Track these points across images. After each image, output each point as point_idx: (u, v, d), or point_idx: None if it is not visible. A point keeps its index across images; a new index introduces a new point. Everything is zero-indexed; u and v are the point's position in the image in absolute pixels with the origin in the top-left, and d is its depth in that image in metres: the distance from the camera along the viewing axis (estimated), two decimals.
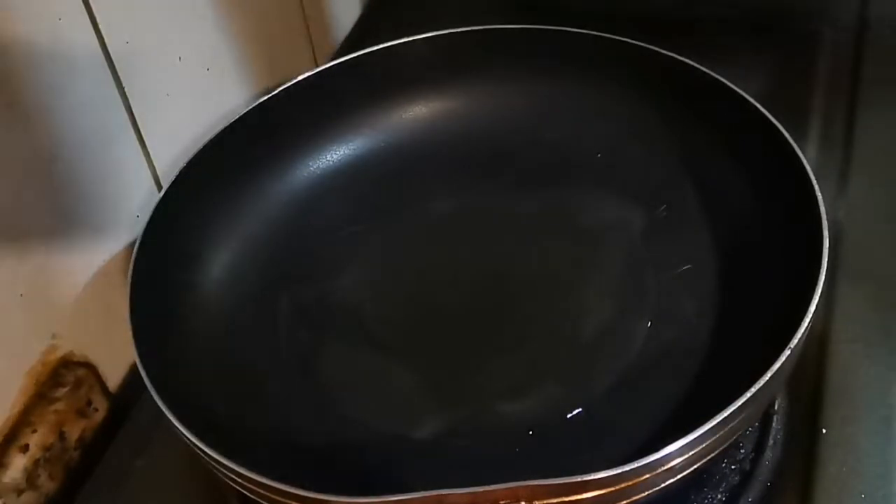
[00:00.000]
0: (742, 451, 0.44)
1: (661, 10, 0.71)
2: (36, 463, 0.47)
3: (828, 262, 0.41)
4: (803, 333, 0.39)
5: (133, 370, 0.47)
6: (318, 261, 0.53)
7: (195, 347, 0.47)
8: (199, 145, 0.52)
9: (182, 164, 0.51)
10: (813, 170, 0.45)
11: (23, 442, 0.46)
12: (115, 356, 0.51)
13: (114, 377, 0.52)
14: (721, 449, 0.38)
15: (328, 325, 0.50)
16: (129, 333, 0.43)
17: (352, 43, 0.73)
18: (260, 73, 0.61)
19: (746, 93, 0.50)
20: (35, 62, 0.44)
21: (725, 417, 0.36)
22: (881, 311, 0.49)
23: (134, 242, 0.47)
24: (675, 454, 0.36)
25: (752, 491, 0.43)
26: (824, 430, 0.44)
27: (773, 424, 0.45)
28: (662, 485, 0.37)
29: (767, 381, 0.37)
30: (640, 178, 0.54)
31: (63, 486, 0.48)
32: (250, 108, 0.54)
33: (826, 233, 0.42)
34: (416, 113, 0.59)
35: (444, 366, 0.47)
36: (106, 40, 0.48)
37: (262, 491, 0.38)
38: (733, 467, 0.44)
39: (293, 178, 0.56)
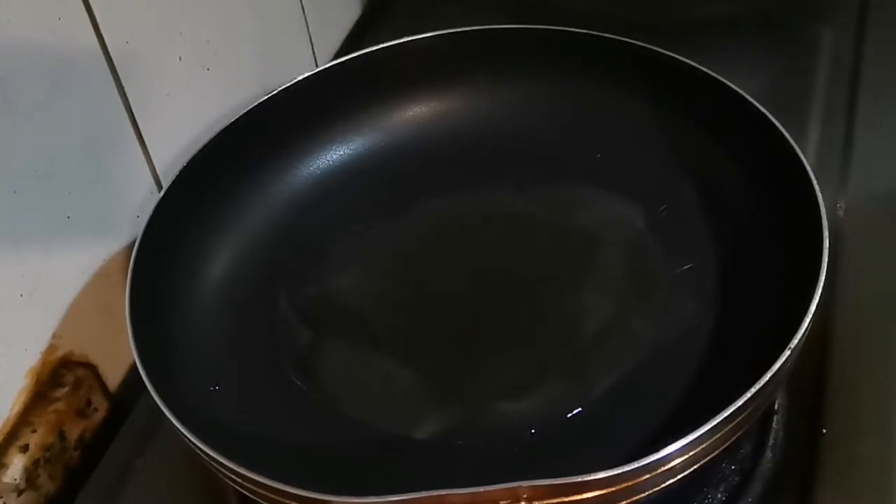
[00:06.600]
0: (742, 451, 0.44)
1: (660, 10, 0.71)
2: (36, 463, 0.47)
3: (828, 262, 0.41)
4: (803, 333, 0.39)
5: (133, 370, 0.47)
6: (318, 260, 0.53)
7: (195, 347, 0.47)
8: (199, 145, 0.52)
9: (182, 164, 0.51)
10: (813, 170, 0.45)
11: (23, 442, 0.46)
12: (115, 356, 0.51)
13: (114, 377, 0.52)
14: (721, 449, 0.38)
15: (328, 325, 0.50)
16: (129, 333, 0.43)
17: (352, 43, 0.73)
18: (260, 73, 0.61)
19: (746, 93, 0.50)
20: (35, 62, 0.44)
21: (725, 417, 0.36)
22: (881, 311, 0.49)
23: (134, 242, 0.47)
24: (675, 454, 0.36)
25: (752, 491, 0.43)
26: (824, 430, 0.44)
27: (773, 424, 0.45)
28: (662, 485, 0.37)
29: (767, 381, 0.37)
30: (639, 177, 0.54)
31: (63, 486, 0.48)
32: (250, 108, 0.54)
33: (826, 233, 0.42)
34: (416, 113, 0.59)
35: (444, 365, 0.47)
36: (106, 40, 0.48)
37: (261, 491, 0.38)
38: (733, 467, 0.44)
39: (293, 178, 0.56)
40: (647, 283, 0.49)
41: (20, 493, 0.46)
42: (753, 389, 0.37)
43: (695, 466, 0.38)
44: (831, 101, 0.62)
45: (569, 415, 0.44)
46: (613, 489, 0.36)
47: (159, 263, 0.48)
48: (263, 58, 0.62)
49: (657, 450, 0.36)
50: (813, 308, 0.40)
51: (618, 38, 0.55)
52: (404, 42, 0.58)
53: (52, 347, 0.48)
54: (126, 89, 0.50)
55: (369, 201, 0.56)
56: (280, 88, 0.55)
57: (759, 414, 0.40)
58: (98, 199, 0.49)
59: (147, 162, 0.52)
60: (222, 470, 0.38)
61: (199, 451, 0.39)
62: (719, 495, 0.43)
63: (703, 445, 0.37)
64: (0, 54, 0.42)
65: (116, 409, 0.52)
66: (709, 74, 0.52)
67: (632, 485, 0.36)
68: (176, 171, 0.51)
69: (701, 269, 0.49)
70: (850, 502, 0.42)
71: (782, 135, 0.47)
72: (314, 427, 0.45)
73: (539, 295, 0.50)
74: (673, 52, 0.54)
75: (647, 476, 0.36)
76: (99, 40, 0.47)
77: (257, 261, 0.53)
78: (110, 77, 0.49)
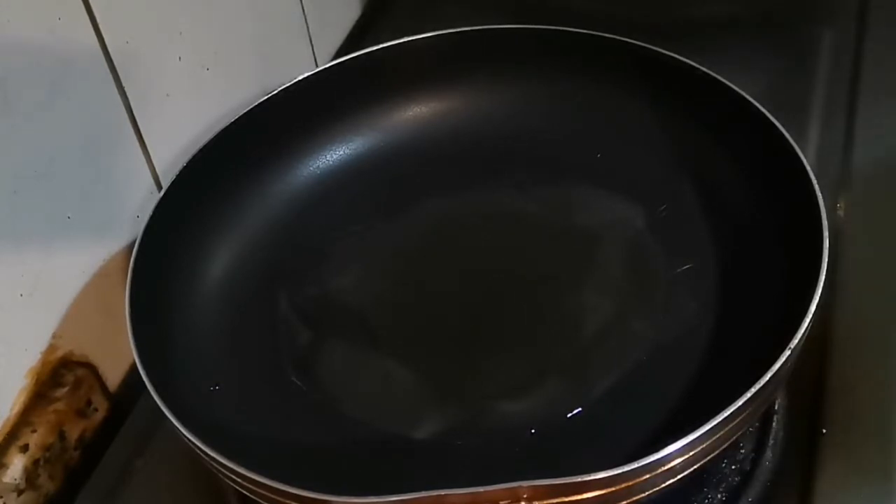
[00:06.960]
0: (742, 451, 0.44)
1: (660, 10, 0.71)
2: (36, 463, 0.47)
3: (828, 262, 0.41)
4: (803, 333, 0.39)
5: (133, 370, 0.47)
6: (318, 260, 0.53)
7: (195, 347, 0.47)
8: (199, 145, 0.52)
9: (182, 164, 0.51)
10: (813, 170, 0.45)
11: (23, 442, 0.46)
12: (115, 356, 0.51)
13: (114, 377, 0.52)
14: (721, 449, 0.38)
15: (328, 325, 0.50)
16: (129, 333, 0.43)
17: (352, 43, 0.73)
18: (260, 73, 0.61)
19: (746, 93, 0.50)
20: (35, 62, 0.44)
21: (725, 417, 0.36)
22: (881, 311, 0.49)
23: (134, 242, 0.47)
24: (676, 454, 0.36)
25: (752, 491, 0.43)
26: (824, 430, 0.44)
27: (773, 424, 0.45)
28: (662, 485, 0.37)
29: (767, 381, 0.37)
30: (639, 177, 0.54)
31: (63, 486, 0.48)
32: (250, 108, 0.54)
33: (826, 233, 0.42)
34: (416, 113, 0.59)
35: (445, 365, 0.47)
36: (106, 40, 0.48)
37: (261, 491, 0.38)
38: (733, 467, 0.44)
39: (293, 178, 0.56)
40: (647, 283, 0.49)
41: (20, 493, 0.46)
42: (753, 389, 0.37)
43: (695, 466, 0.38)
44: (831, 101, 0.62)
45: (569, 415, 0.44)
46: (613, 489, 0.36)
47: (159, 263, 0.48)
48: (263, 58, 0.62)
49: (657, 450, 0.36)
50: (813, 308, 0.40)
51: (618, 38, 0.55)
52: (404, 42, 0.58)
53: (52, 347, 0.48)
54: (126, 89, 0.50)
55: (369, 201, 0.56)
56: (280, 88, 0.55)
57: (759, 414, 0.40)
58: (98, 199, 0.49)
59: (147, 162, 0.52)
60: (222, 470, 0.38)
61: (199, 451, 0.39)
62: (719, 495, 0.43)
63: (703, 445, 0.37)
64: (0, 54, 0.42)
65: (116, 409, 0.52)
66: (709, 74, 0.52)
67: (632, 485, 0.36)
68: (176, 171, 0.51)
69: (701, 269, 0.49)
70: (850, 502, 0.42)
71: (782, 135, 0.47)
72: (314, 427, 0.45)
73: (539, 295, 0.50)
74: (673, 52, 0.54)
75: (647, 476, 0.36)
76: (99, 40, 0.47)
77: (257, 261, 0.53)
78: (110, 77, 0.49)
